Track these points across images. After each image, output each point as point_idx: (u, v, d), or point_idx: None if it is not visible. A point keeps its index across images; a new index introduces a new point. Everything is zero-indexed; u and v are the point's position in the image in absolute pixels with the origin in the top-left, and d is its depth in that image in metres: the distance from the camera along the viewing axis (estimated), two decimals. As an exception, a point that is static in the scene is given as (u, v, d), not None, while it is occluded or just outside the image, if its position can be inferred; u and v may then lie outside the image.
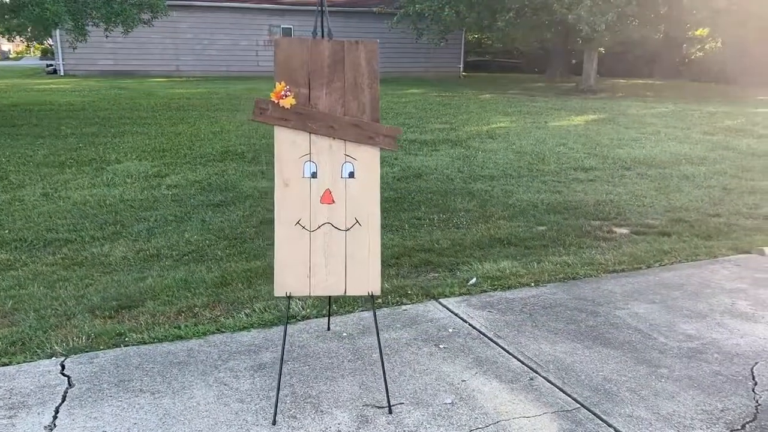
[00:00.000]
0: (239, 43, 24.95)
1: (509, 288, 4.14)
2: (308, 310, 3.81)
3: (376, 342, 3.31)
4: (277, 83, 2.62)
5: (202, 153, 8.95)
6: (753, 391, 2.79)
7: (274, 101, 2.60)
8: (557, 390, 2.80)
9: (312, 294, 2.66)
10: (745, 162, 9.01)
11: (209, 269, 4.77)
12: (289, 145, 2.63)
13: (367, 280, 2.68)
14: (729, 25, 16.95)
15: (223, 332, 3.49)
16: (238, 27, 24.95)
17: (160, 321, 3.73)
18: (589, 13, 15.30)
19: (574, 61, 28.38)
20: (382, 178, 7.81)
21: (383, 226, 5.84)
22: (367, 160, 2.68)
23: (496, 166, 8.40)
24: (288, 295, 2.66)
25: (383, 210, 6.53)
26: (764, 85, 23.96)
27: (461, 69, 27.24)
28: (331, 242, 2.66)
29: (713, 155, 9.37)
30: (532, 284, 4.20)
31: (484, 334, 3.37)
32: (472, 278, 4.37)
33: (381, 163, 8.64)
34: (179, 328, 3.59)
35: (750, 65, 26.33)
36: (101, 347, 3.30)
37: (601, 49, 19.87)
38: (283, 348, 2.76)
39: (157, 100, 15.35)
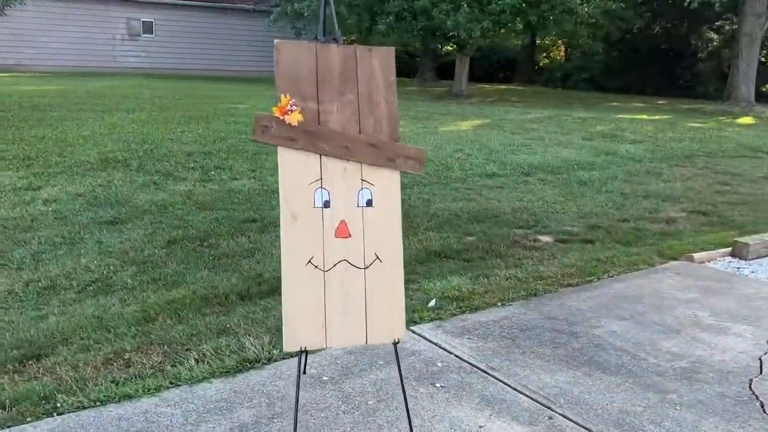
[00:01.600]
0: (94, 36, 22.85)
1: (476, 309, 3.92)
2: (268, 350, 3.33)
3: (364, 385, 2.93)
4: (281, 96, 2.16)
5: (76, 161, 7.89)
6: (765, 412, 2.76)
7: (278, 118, 2.15)
8: (582, 429, 2.59)
9: (328, 346, 2.23)
10: (630, 167, 9.57)
11: (123, 302, 4.10)
12: (297, 170, 2.18)
13: (391, 325, 2.29)
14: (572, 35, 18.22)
15: (179, 386, 2.92)
16: (91, 19, 22.85)
17: (89, 374, 3.07)
18: (467, 19, 15.66)
19: (435, 65, 29.17)
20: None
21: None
22: (387, 186, 2.30)
23: (404, 174, 8.21)
24: (303, 350, 2.21)
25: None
26: (600, 90, 26.22)
27: (333, 70, 26.95)
28: (348, 283, 2.24)
29: (599, 160, 9.86)
30: (498, 304, 4.01)
31: (476, 367, 3.10)
32: (431, 300, 4.10)
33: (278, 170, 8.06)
34: (118, 383, 2.97)
35: (591, 73, 28.64)
36: (28, 419, 2.62)
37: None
38: (296, 420, 2.30)
39: (3, 98, 13.55)
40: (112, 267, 4.68)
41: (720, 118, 17.04)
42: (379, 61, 2.26)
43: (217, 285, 4.43)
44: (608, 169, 9.26)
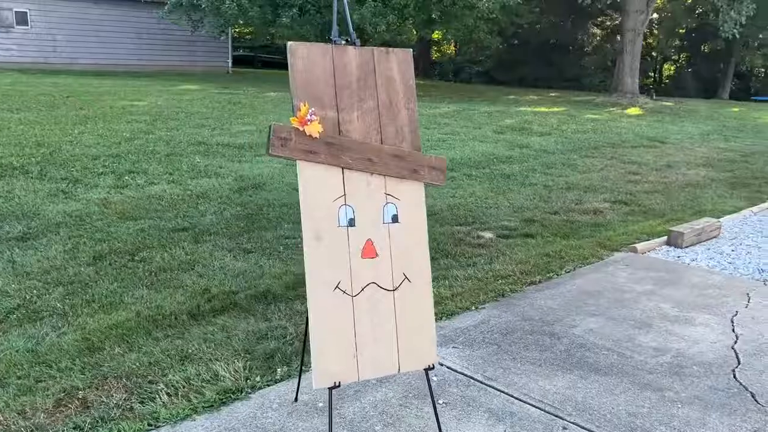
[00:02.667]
0: (-41, 26, 20.66)
1: (452, 315, 3.80)
2: (245, 376, 3.05)
3: (365, 409, 2.73)
4: (300, 104, 1.91)
5: (-36, 168, 7.04)
6: (758, 403, 2.84)
7: (297, 129, 1.90)
8: (599, 437, 2.54)
9: (361, 378, 2.02)
10: (545, 159, 9.86)
11: (58, 330, 3.65)
12: (320, 186, 1.95)
13: (423, 350, 2.11)
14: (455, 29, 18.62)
15: (159, 427, 2.59)
16: (-46, 7, 20.65)
17: (44, 421, 2.66)
18: (372, 13, 15.56)
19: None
20: (215, 190, 6.93)
21: (247, 250, 5.10)
22: (412, 200, 2.11)
23: (332, 172, 7.98)
24: (337, 385, 1.98)
25: (241, 229, 5.75)
26: (494, 83, 27.17)
27: (230, 64, 26.05)
28: (377, 307, 2.04)
29: (516, 154, 10.09)
30: (472, 308, 3.92)
31: (473, 378, 2.99)
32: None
33: (205, 171, 7.60)
34: (83, 430, 2.59)
35: (485, 67, 29.54)
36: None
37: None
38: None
39: None
40: (34, 290, 4.17)
41: (611, 109, 18.05)
42: (397, 64, 2.06)
43: (162, 304, 4.04)
44: (526, 162, 9.48)
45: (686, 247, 5.30)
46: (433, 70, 33.35)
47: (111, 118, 10.89)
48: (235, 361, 3.23)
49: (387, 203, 2.05)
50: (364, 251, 2.01)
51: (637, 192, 7.90)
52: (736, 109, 20.14)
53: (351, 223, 1.99)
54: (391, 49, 2.08)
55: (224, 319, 3.86)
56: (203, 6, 16.42)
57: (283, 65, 35.68)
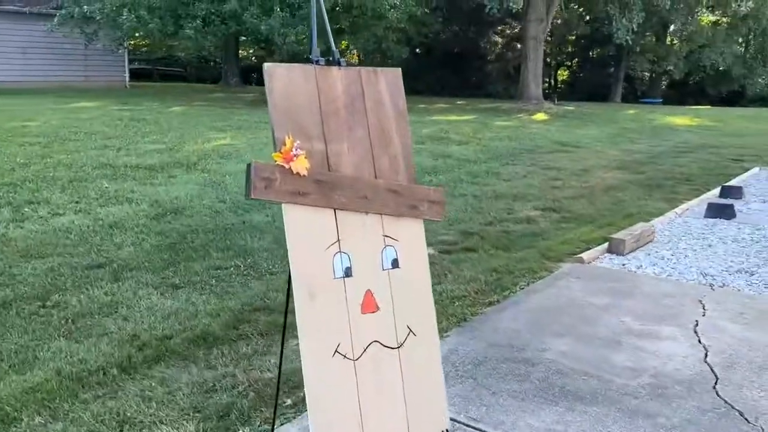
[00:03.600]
0: None
1: (416, 347, 3.54)
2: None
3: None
4: (283, 137, 1.59)
5: None
6: (749, 421, 2.76)
7: (282, 166, 1.58)
8: (605, 479, 2.36)
9: (369, 456, 1.71)
10: (469, 168, 9.84)
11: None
12: (311, 232, 1.64)
13: (435, 415, 1.83)
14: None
15: None
16: None
17: None
18: (281, 24, 15.14)
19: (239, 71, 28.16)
20: (129, 218, 6.35)
21: (176, 286, 4.64)
22: (412, 240, 1.84)
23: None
24: (343, 468, 1.66)
25: (165, 261, 5.23)
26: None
27: (127, 78, 24.71)
28: (382, 369, 1.75)
29: (440, 164, 10.01)
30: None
31: (457, 421, 2.73)
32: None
33: (115, 197, 7.00)
34: None
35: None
36: None
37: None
38: None
39: None
40: None
41: (519, 115, 18.51)
42: (386, 86, 1.79)
43: (86, 357, 3.54)
44: (452, 172, 9.42)
45: (627, 253, 5.32)
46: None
47: (0, 142, 9.89)
48: (185, 422, 2.83)
49: (386, 246, 1.76)
50: (364, 305, 1.71)
51: (563, 198, 7.98)
52: (631, 112, 21.25)
53: (348, 272, 1.69)
54: (378, 69, 1.80)
55: (161, 370, 3.42)
56: (98, 18, 15.39)
57: (183, 77, 34.46)
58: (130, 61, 26.35)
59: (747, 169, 10.19)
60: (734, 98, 32.12)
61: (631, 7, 19.73)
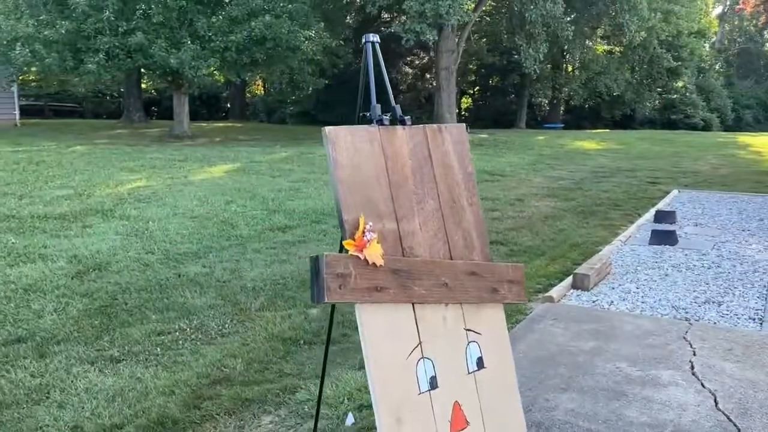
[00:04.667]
0: None
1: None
2: None
3: None
4: (354, 217, 1.23)
5: None
6: (791, 479, 2.60)
7: (356, 257, 1.21)
8: None
9: None
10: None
11: None
12: (391, 337, 1.33)
13: None
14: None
15: None
16: None
17: None
18: (192, 57, 14.50)
19: (143, 105, 26.91)
20: (47, 278, 5.62)
21: (115, 359, 4.04)
22: (494, 331, 1.56)
23: (186, 239, 6.95)
24: None
25: (97, 329, 4.57)
26: (314, 123, 27.02)
27: (17, 116, 22.94)
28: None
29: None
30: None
31: None
32: (346, 416, 3.23)
33: (26, 254, 6.24)
34: None
35: (304, 107, 29.45)
36: None
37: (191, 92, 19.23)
38: None
39: None
40: None
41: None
42: (453, 145, 1.49)
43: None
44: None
45: (593, 288, 5.21)
46: (246, 111, 32.48)
47: None
48: None
49: (469, 342, 1.43)
50: (453, 423, 1.35)
51: (506, 230, 7.90)
52: (541, 138, 21.99)
53: (433, 383, 1.34)
54: (443, 126, 1.49)
55: (119, 473, 2.88)
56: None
57: (79, 113, 32.51)
58: (19, 97, 24.52)
59: (666, 192, 10.60)
60: (626, 121, 34.17)
61: (536, 38, 20.54)
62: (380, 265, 1.28)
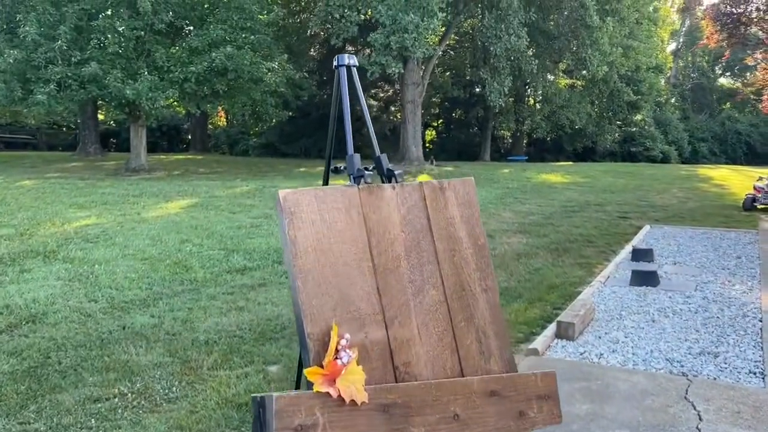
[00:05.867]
0: None
1: None
2: None
3: None
4: (322, 331, 0.78)
5: None
6: None
7: (327, 394, 0.77)
8: None
9: None
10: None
11: None
12: None
13: None
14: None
15: None
16: None
17: None
18: (149, 88, 13.95)
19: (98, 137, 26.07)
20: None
21: None
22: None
23: (135, 284, 6.36)
24: None
25: (22, 396, 3.94)
26: (277, 155, 26.63)
27: (-37, 148, 21.89)
28: None
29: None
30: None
31: None
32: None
33: None
34: None
35: (268, 139, 28.94)
36: None
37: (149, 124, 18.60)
38: None
39: None
40: None
41: (405, 176, 18.33)
42: (459, 208, 1.15)
43: None
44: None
45: (578, 337, 4.82)
46: (208, 143, 31.82)
47: None
48: None
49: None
50: None
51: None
52: (506, 171, 21.89)
53: None
54: (446, 183, 1.08)
55: None
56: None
57: (32, 145, 31.35)
58: (-32, 129, 23.49)
59: (638, 227, 10.40)
60: (587, 154, 34.58)
61: (501, 72, 20.56)
62: (362, 403, 0.85)
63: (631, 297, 6.00)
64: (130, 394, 3.97)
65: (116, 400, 3.90)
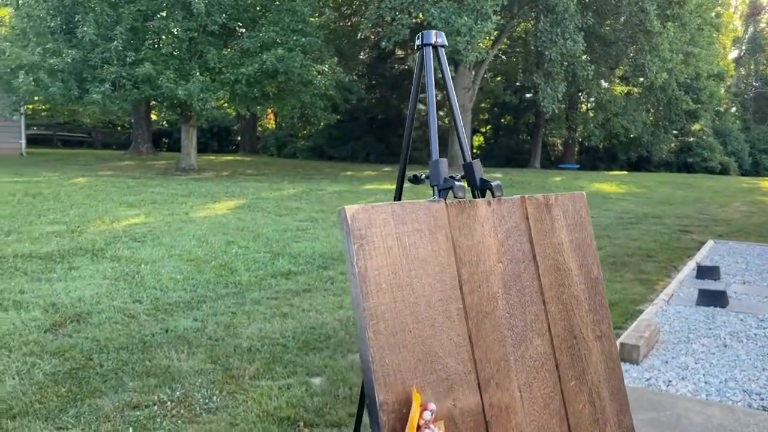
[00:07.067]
0: None
1: None
2: None
3: None
4: (404, 395, 0.57)
5: None
6: None
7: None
8: None
9: None
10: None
11: None
12: None
13: None
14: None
15: None
16: None
17: None
18: (200, 89, 14.06)
19: (151, 136, 26.61)
20: (16, 332, 4.91)
21: None
22: None
23: (180, 285, 6.28)
24: None
25: (62, 399, 3.87)
26: (325, 158, 26.65)
27: (23, 145, 22.61)
28: None
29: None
30: None
31: None
32: None
33: (1, 298, 5.46)
34: None
35: (316, 142, 28.98)
36: None
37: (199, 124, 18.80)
38: None
39: None
40: None
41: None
42: (569, 232, 1.13)
43: None
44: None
45: (642, 361, 4.47)
46: (257, 145, 32.13)
47: None
48: None
49: None
50: None
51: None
52: (558, 179, 21.33)
53: None
54: (552, 197, 0.89)
55: None
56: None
57: (88, 143, 32.26)
58: (28, 127, 24.27)
59: (700, 242, 9.87)
60: (641, 163, 33.52)
61: (555, 77, 20.07)
62: None
63: (699, 318, 5.59)
64: (169, 402, 3.83)
65: (155, 407, 3.76)
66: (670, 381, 4.12)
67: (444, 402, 0.74)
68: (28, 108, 24.69)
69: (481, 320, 0.82)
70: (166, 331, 5.05)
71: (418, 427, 0.71)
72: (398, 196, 1.45)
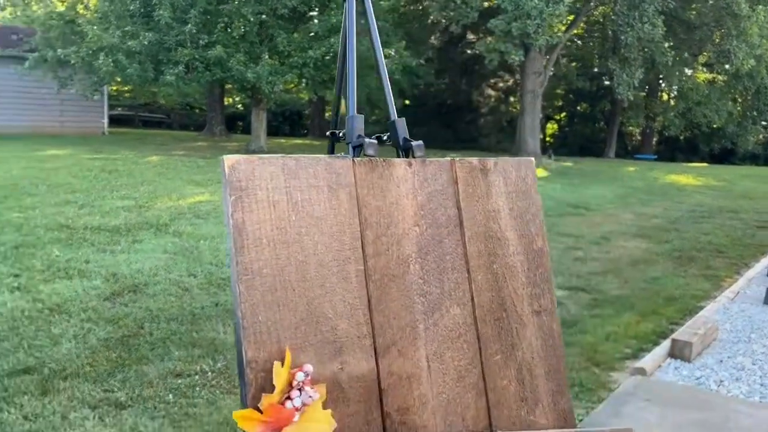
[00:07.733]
0: None
1: None
2: None
3: None
4: (272, 355, 0.56)
5: None
6: None
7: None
8: None
9: None
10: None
11: None
12: None
13: None
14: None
15: None
16: None
17: None
18: (268, 72, 14.33)
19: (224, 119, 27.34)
20: (77, 298, 5.17)
21: (120, 404, 3.48)
22: None
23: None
24: None
25: (112, 363, 4.06)
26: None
27: (106, 125, 23.73)
28: None
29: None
30: None
31: None
32: None
33: (65, 269, 5.71)
34: None
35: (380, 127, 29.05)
36: None
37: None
38: None
39: None
40: None
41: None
42: (508, 199, 0.91)
43: None
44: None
45: (695, 359, 4.26)
46: (326, 129, 32.54)
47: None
48: None
49: None
50: None
51: (589, 274, 6.96)
52: (631, 169, 20.54)
53: None
54: (490, 162, 0.84)
55: None
56: (72, 62, 14.47)
57: (167, 124, 33.57)
58: (112, 107, 25.45)
59: (778, 239, 9.29)
60: (725, 156, 31.79)
61: (631, 63, 19.27)
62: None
63: (764, 318, 5.27)
64: (210, 373, 3.96)
65: (197, 377, 3.89)
66: (722, 381, 3.92)
67: (329, 365, 0.71)
68: (111, 89, 25.90)
69: (386, 284, 0.78)
70: (216, 305, 5.20)
71: (290, 386, 0.68)
72: (330, 153, 1.42)
